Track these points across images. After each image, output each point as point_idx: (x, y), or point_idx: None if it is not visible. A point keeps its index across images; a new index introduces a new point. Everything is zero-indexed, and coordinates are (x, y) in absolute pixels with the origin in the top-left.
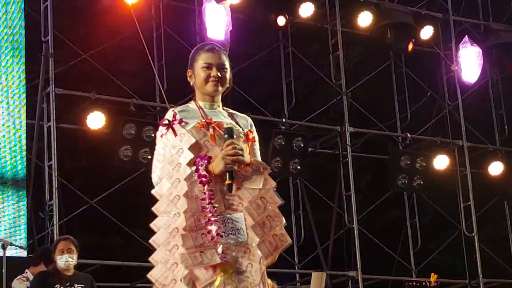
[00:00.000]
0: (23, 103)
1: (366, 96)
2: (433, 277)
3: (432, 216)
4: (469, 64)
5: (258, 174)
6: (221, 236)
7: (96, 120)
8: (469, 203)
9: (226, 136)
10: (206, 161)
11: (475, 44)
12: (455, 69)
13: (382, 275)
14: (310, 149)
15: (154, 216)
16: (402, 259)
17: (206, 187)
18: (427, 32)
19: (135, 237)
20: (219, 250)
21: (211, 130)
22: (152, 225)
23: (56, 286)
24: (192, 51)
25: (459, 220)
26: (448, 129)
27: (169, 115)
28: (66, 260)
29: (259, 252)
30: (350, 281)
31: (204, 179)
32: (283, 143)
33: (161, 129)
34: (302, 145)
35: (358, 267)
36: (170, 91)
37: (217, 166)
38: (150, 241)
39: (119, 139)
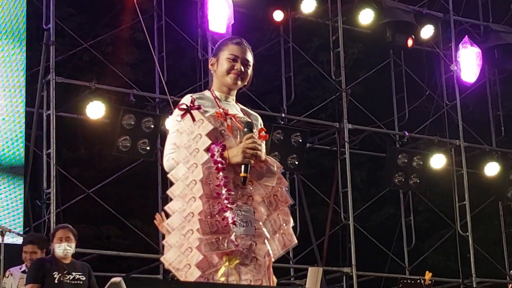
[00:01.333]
0: (23, 90)
1: (365, 94)
2: (428, 275)
3: (427, 214)
4: (468, 64)
5: (272, 172)
6: (235, 225)
7: (95, 110)
8: (464, 202)
9: (246, 129)
10: (220, 148)
11: (475, 45)
12: (454, 69)
13: (375, 272)
14: (308, 145)
15: (149, 210)
16: (396, 257)
17: (221, 173)
18: (427, 31)
19: (131, 227)
20: (232, 237)
21: (228, 121)
22: (166, 208)
23: (53, 273)
24: (221, 41)
25: (454, 219)
26: (445, 128)
27: (186, 100)
28: (64, 248)
29: (268, 247)
30: (344, 277)
31: (220, 165)
32: (281, 137)
33: (178, 113)
34: (300, 140)
35: (353, 263)
36: (169, 83)
37: (235, 156)
38: (165, 224)
39: (118, 129)
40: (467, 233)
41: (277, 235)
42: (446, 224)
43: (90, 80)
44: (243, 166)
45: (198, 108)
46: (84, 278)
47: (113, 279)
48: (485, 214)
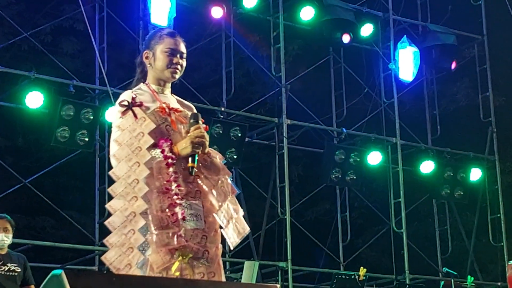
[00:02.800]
0: None
1: (304, 90)
2: (362, 271)
3: (363, 211)
4: (406, 63)
5: (215, 163)
6: (184, 220)
7: (34, 100)
8: (400, 199)
9: (192, 121)
10: (169, 143)
11: (413, 44)
12: (393, 67)
13: (310, 267)
14: (247, 139)
15: (85, 201)
16: (331, 252)
17: (171, 169)
18: (367, 30)
19: (67, 218)
20: (181, 232)
21: (173, 115)
22: (107, 206)
23: None
24: (153, 33)
25: (389, 216)
26: (383, 126)
27: (127, 96)
28: (1, 239)
29: (225, 236)
30: (279, 271)
31: (170, 160)
32: (220, 131)
33: (119, 109)
34: (239, 134)
35: (289, 258)
36: (109, 75)
37: (184, 148)
38: (106, 223)
39: (57, 119)
40: (402, 230)
41: (231, 224)
42: (381, 220)
43: (29, 70)
44: (190, 157)
45: (140, 105)
46: (19, 270)
47: (54, 271)
48: (420, 211)
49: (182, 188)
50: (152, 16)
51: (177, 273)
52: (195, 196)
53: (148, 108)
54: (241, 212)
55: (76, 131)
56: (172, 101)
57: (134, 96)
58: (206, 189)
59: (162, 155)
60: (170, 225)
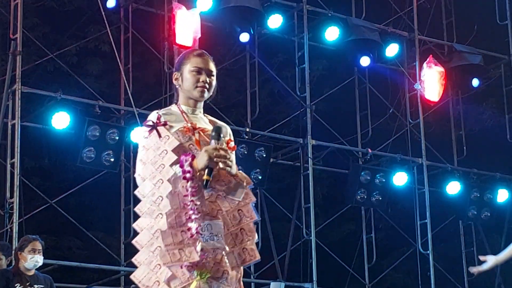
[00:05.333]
0: None
1: (329, 110)
2: None
3: (388, 232)
4: (431, 84)
5: (240, 187)
6: (201, 234)
7: (61, 120)
8: (426, 221)
9: (213, 133)
10: (190, 158)
11: (439, 64)
12: (418, 87)
13: None
14: (271, 160)
15: (111, 221)
16: (357, 273)
17: (189, 183)
18: (392, 50)
19: (92, 238)
20: (198, 248)
21: (196, 135)
22: (135, 225)
23: (16, 285)
24: (181, 55)
25: (415, 237)
26: (408, 146)
27: (152, 117)
28: (36, 260)
29: (225, 260)
30: None
31: (188, 174)
32: (245, 152)
33: (145, 130)
34: (264, 155)
35: (314, 279)
36: (134, 95)
37: (201, 159)
38: (133, 242)
39: (83, 140)
40: (428, 251)
41: (237, 249)
42: (407, 241)
43: (56, 91)
44: (206, 170)
45: (164, 124)
46: None
47: None
48: (446, 233)
49: (199, 203)
50: (177, 37)
51: None
52: (216, 215)
53: (172, 127)
54: (255, 240)
55: (101, 151)
56: (204, 121)
57: (159, 116)
58: (224, 210)
59: (181, 169)
60: (186, 241)
